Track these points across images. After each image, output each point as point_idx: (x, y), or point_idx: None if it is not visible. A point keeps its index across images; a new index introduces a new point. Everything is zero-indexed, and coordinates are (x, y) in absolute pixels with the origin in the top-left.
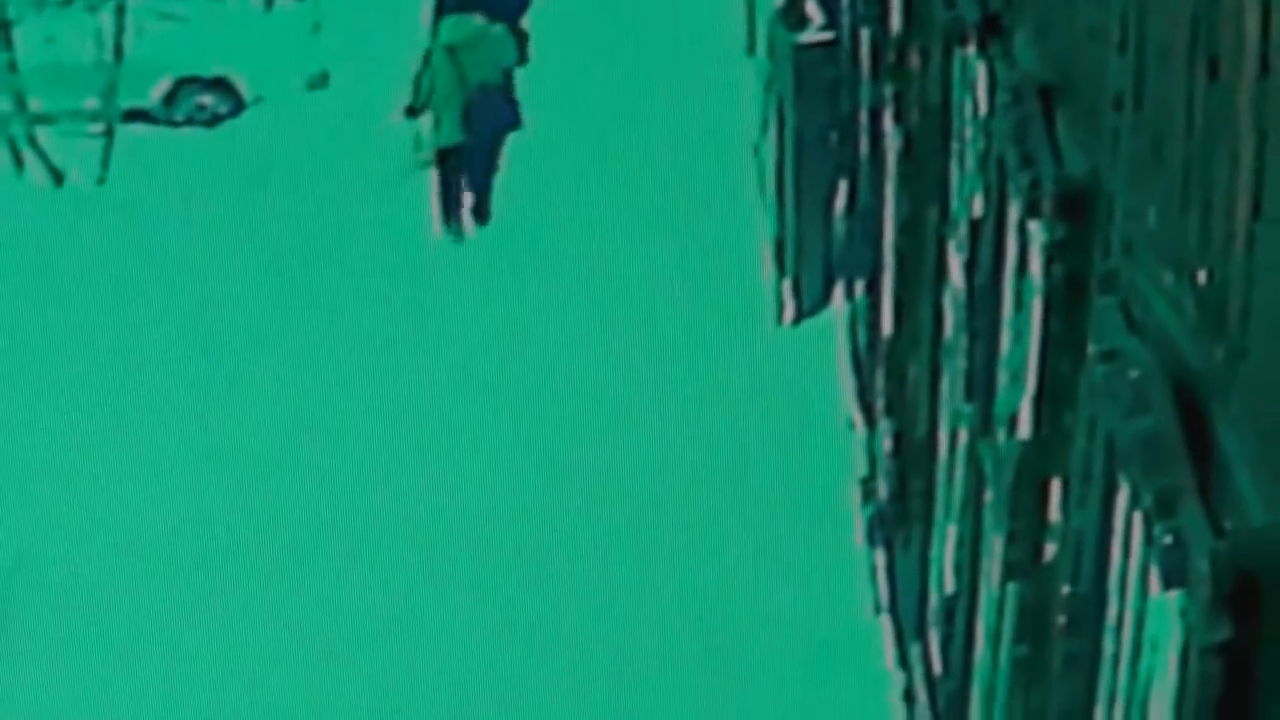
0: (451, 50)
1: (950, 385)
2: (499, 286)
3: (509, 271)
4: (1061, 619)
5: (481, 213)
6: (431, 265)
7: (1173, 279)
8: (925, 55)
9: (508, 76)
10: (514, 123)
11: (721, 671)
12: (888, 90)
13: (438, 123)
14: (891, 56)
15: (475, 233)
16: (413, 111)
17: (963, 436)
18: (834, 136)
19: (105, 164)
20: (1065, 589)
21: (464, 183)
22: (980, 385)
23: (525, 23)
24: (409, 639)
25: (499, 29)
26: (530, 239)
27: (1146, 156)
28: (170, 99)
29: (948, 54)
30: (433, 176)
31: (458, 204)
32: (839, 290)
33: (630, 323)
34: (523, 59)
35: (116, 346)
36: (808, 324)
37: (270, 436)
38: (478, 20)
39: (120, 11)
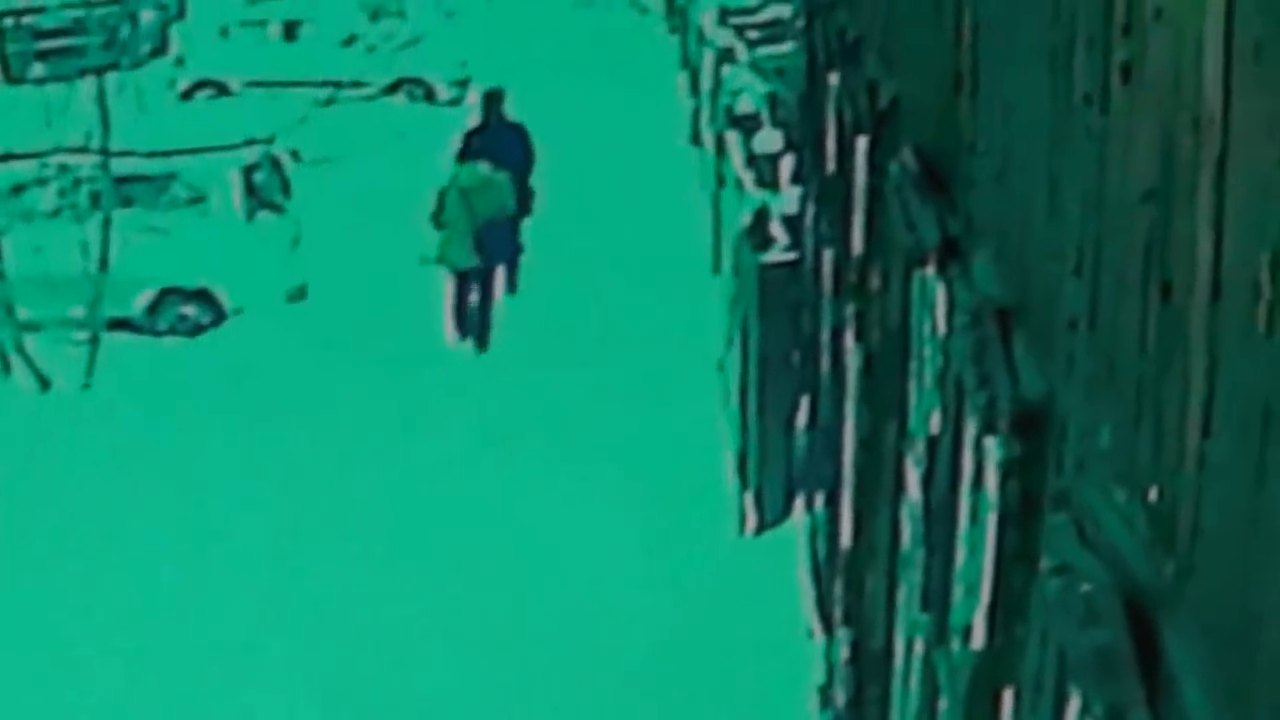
0: (464, 192)
1: (907, 596)
2: (467, 479)
3: (472, 469)
4: None
5: (484, 327)
6: (407, 467)
7: (1124, 496)
8: (886, 276)
9: (511, 217)
10: (516, 253)
11: None
12: (849, 309)
13: (451, 246)
14: (853, 277)
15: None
16: (437, 223)
17: (918, 646)
18: (796, 353)
19: (90, 370)
20: None
21: (471, 300)
22: (936, 596)
23: (532, 180)
24: None
25: (503, 176)
26: (498, 439)
27: (1100, 377)
28: (153, 309)
29: (908, 275)
30: (447, 293)
31: (464, 318)
32: (799, 502)
33: (596, 528)
34: (527, 210)
35: (99, 544)
36: (769, 535)
37: (252, 627)
38: (486, 169)
39: (106, 224)
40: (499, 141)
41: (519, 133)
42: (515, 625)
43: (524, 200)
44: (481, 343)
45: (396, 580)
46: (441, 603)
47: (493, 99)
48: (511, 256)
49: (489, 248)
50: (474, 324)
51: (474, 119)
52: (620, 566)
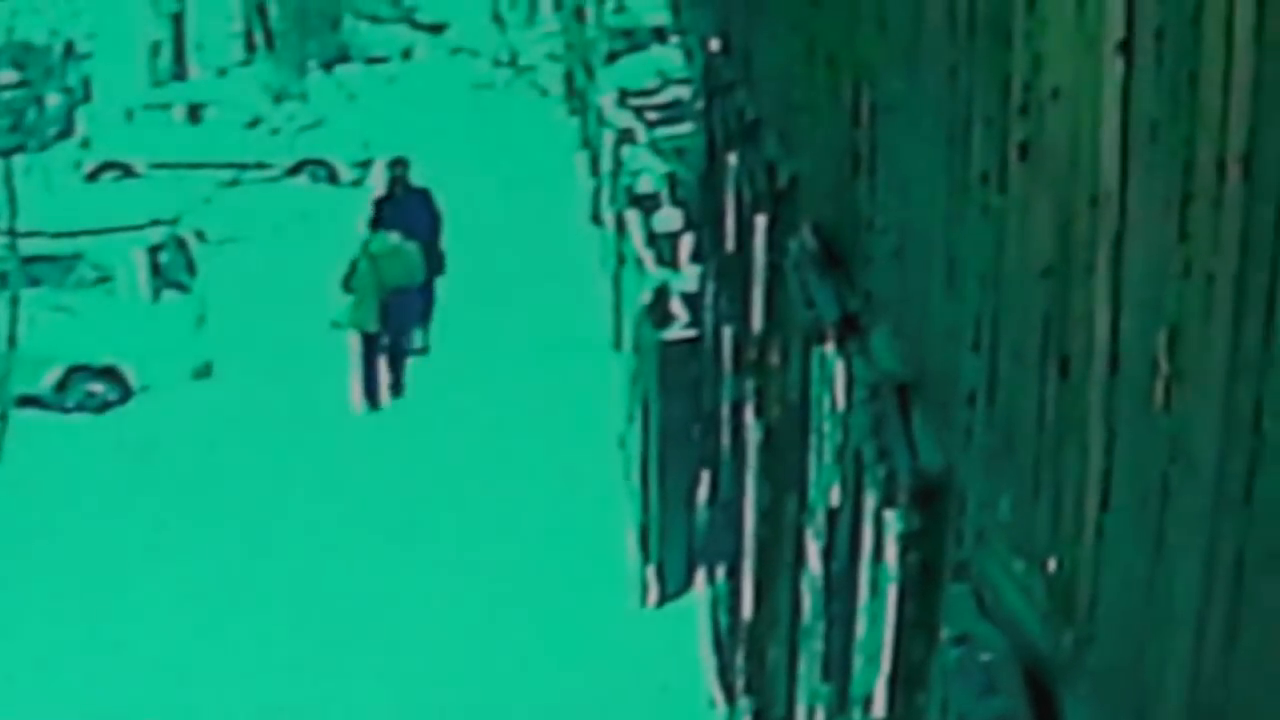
0: (374, 259)
1: (808, 666)
2: (369, 549)
3: (375, 538)
4: None
5: (397, 389)
6: (310, 536)
7: (1023, 567)
8: (785, 352)
9: (419, 285)
10: (427, 314)
11: None
12: (749, 385)
13: (360, 311)
14: (753, 353)
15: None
16: (347, 288)
17: (820, 715)
18: (697, 429)
19: None
20: None
21: (379, 365)
22: (837, 666)
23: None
24: None
25: (411, 246)
26: (400, 509)
27: (999, 450)
28: (61, 386)
29: (807, 351)
30: (353, 360)
31: (374, 382)
32: (701, 575)
33: (498, 601)
34: (439, 270)
35: (6, 619)
36: (670, 607)
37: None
38: (395, 238)
39: (14, 303)
40: (407, 209)
41: (425, 197)
42: (423, 697)
43: (435, 262)
44: (395, 394)
45: (300, 651)
46: (345, 672)
47: (398, 165)
48: (422, 319)
49: (395, 315)
50: (379, 388)
51: (380, 189)
52: (523, 639)
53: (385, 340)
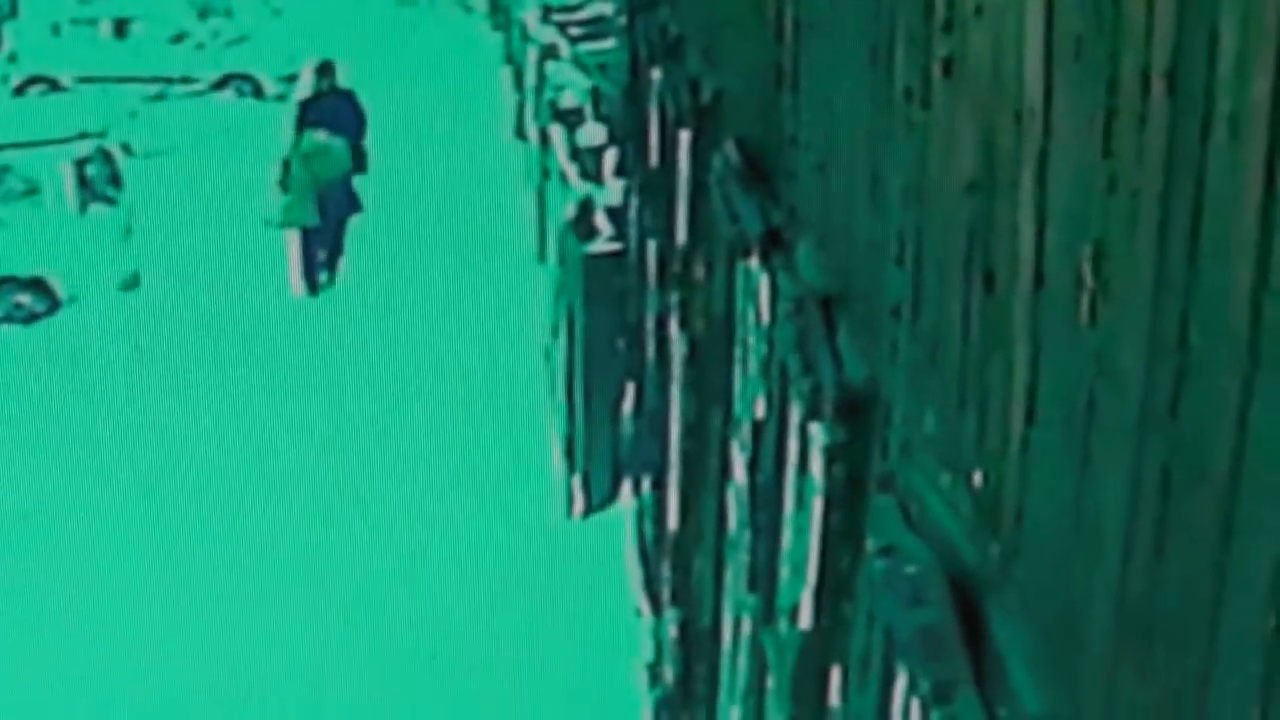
0: (306, 157)
1: (734, 577)
2: (300, 455)
3: (306, 443)
4: None
5: (331, 275)
6: (240, 441)
7: (949, 480)
8: (709, 266)
9: (347, 177)
10: (354, 209)
11: None
12: (673, 298)
13: (296, 208)
14: (677, 267)
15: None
16: (284, 187)
17: (746, 626)
18: (621, 341)
19: None
20: None
21: (317, 254)
22: (763, 577)
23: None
24: None
25: (339, 141)
26: (333, 417)
27: (924, 363)
28: None
29: (731, 265)
30: (291, 250)
31: (313, 270)
32: (626, 487)
33: (423, 511)
34: (361, 168)
35: None
36: (596, 518)
37: (85, 628)
38: (322, 136)
39: None
40: (332, 109)
41: (349, 97)
42: (342, 608)
43: (358, 160)
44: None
45: (233, 554)
46: (272, 584)
47: (324, 69)
48: (349, 213)
49: (329, 207)
50: (318, 277)
51: (305, 90)
52: (447, 549)
53: (321, 232)
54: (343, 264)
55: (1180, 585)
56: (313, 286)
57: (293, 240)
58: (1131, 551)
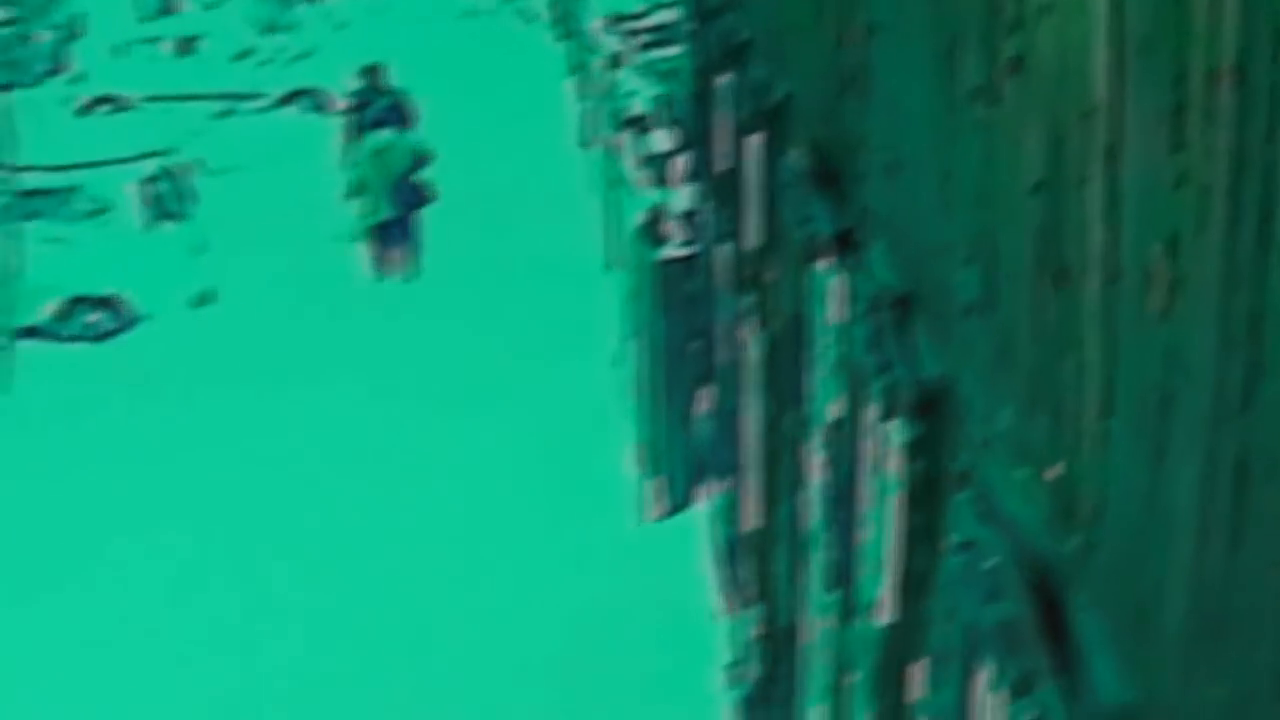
0: (378, 153)
1: (813, 576)
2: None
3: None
4: None
5: (415, 266)
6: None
7: (1026, 475)
8: (782, 269)
9: (414, 170)
10: (427, 200)
11: None
12: (746, 302)
13: (374, 204)
14: (749, 270)
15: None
16: (356, 189)
17: (826, 623)
18: (695, 345)
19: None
20: None
21: (396, 245)
22: (842, 575)
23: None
24: None
25: (402, 137)
26: (404, 432)
27: (999, 361)
28: (61, 316)
29: (804, 267)
30: (371, 244)
31: (392, 259)
32: (703, 489)
33: (502, 520)
34: (426, 162)
35: (16, 547)
36: (673, 522)
37: (180, 634)
38: (386, 133)
39: (14, 235)
40: (387, 108)
41: (400, 97)
42: (425, 614)
43: (422, 153)
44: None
45: (298, 565)
46: (345, 589)
47: (370, 71)
48: (422, 204)
49: (403, 200)
50: (400, 259)
51: (355, 96)
52: (524, 558)
53: (399, 223)
54: (422, 254)
55: (1255, 577)
56: (394, 273)
57: (371, 241)
58: (1207, 543)
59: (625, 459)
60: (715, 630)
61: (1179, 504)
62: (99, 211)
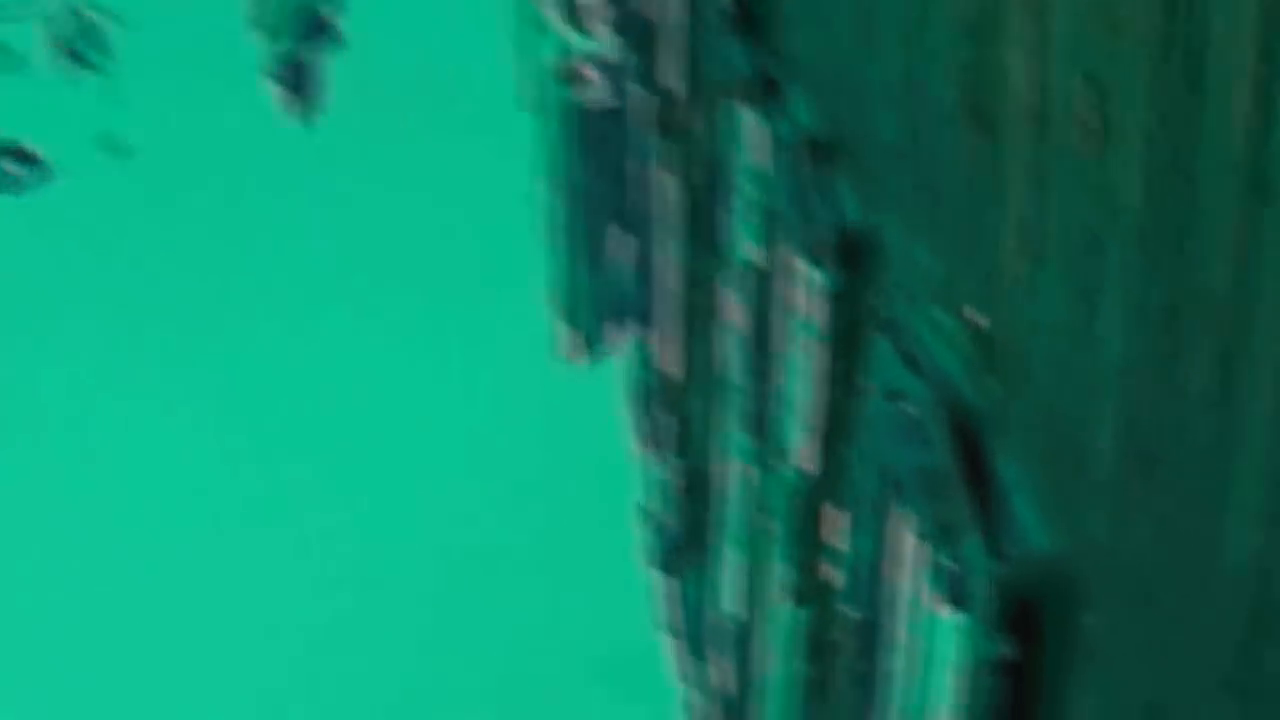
0: None
1: (731, 422)
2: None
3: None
4: (846, 640)
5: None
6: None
7: (950, 321)
8: (702, 112)
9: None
10: (331, 36)
11: (503, 681)
12: (666, 146)
13: (276, 38)
14: (668, 114)
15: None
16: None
17: (745, 470)
18: (611, 187)
19: None
20: (848, 612)
21: (300, 83)
22: (761, 422)
23: None
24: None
25: None
26: (321, 266)
27: (923, 206)
28: None
29: (724, 112)
30: (277, 83)
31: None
32: (622, 332)
33: (408, 360)
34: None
35: None
36: (587, 366)
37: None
38: None
39: None
40: None
41: None
42: (331, 451)
43: None
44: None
45: (216, 398)
46: (262, 428)
47: None
48: (325, 39)
49: (307, 30)
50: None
51: None
52: (433, 396)
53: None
54: (326, 96)
55: (1185, 418)
56: (300, 113)
57: (277, 80)
58: (1135, 386)
59: (538, 301)
60: (632, 475)
61: (1107, 347)
62: (5, 57)
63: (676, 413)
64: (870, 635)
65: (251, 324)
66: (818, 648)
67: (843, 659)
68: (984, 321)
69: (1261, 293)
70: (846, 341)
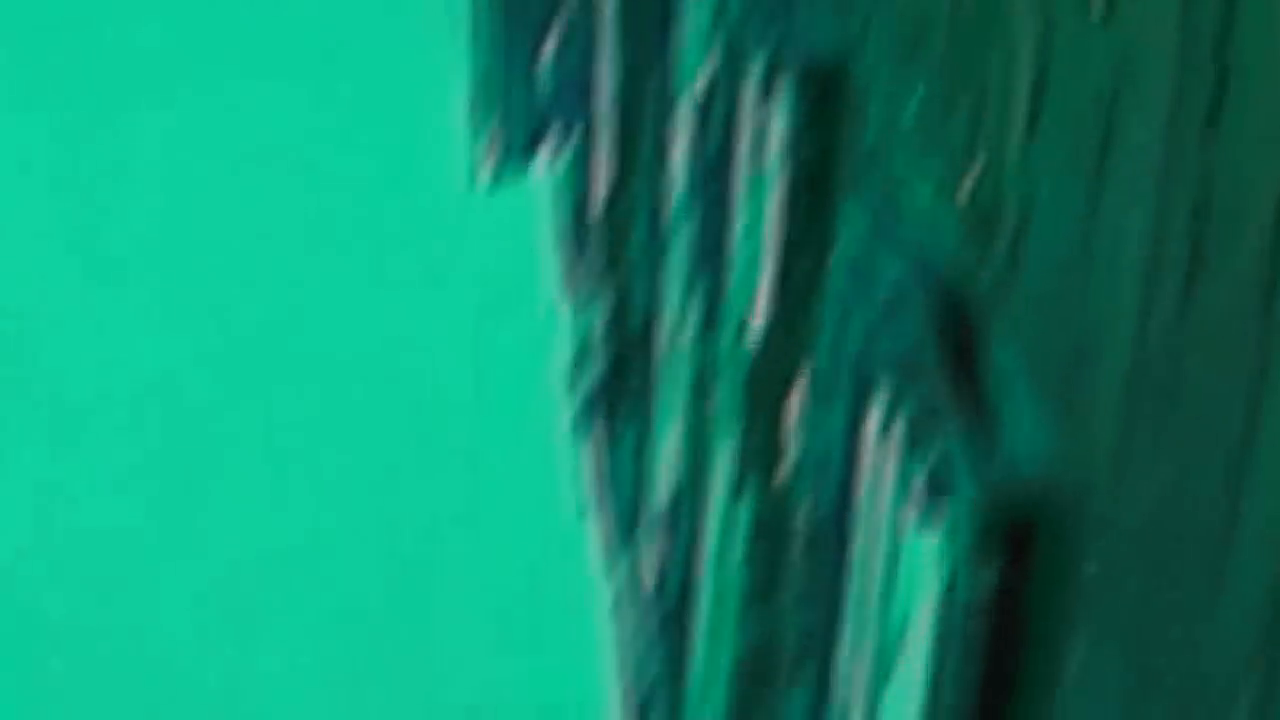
0: None
1: (674, 270)
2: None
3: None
4: (799, 543)
5: None
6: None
7: (934, 182)
8: None
9: None
10: None
11: (409, 570)
12: None
13: None
14: None
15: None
16: None
17: (688, 327)
18: None
19: None
20: (804, 509)
21: None
22: (709, 274)
23: None
24: None
25: None
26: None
27: (908, 39)
28: None
29: None
30: None
31: None
32: (544, 153)
33: (311, 189)
34: None
35: None
36: (510, 188)
37: None
38: None
39: None
40: None
41: None
42: (233, 273)
43: None
44: None
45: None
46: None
47: None
48: None
49: None
50: None
51: None
52: (341, 230)
53: None
54: None
55: (1213, 339)
56: None
57: None
58: (1155, 293)
59: (451, 115)
60: (554, 322)
61: (1122, 242)
62: None
63: (609, 249)
64: (825, 544)
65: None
66: (764, 548)
67: (792, 567)
68: (976, 180)
69: None
70: (813, 193)
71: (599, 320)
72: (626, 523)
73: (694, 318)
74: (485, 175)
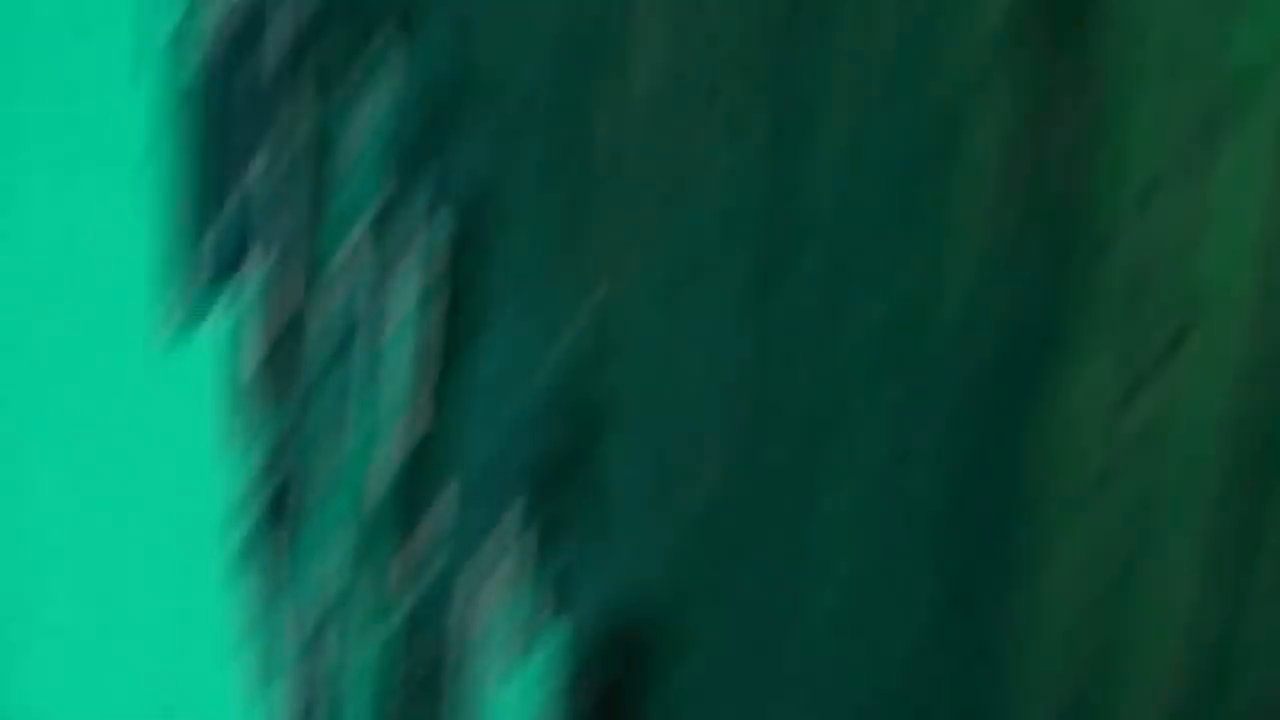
0: None
1: (327, 410)
2: None
3: None
4: (414, 673)
5: None
6: None
7: (558, 316)
8: (329, 50)
9: None
10: None
11: None
12: (291, 86)
13: None
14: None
15: None
16: None
17: (338, 461)
18: (237, 135)
19: None
20: (415, 642)
21: None
22: (366, 399)
23: None
24: None
25: None
26: None
27: (550, 171)
28: None
29: (351, 52)
30: None
31: None
32: (219, 302)
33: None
34: None
35: None
36: (183, 343)
37: None
38: None
39: None
40: None
41: None
42: None
43: None
44: None
45: None
46: None
47: None
48: None
49: None
50: None
51: None
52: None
53: None
54: None
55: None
56: None
57: None
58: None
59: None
60: (221, 465)
61: (710, 374)
62: None
63: (268, 401)
64: (435, 673)
65: None
66: (392, 677)
67: (412, 693)
68: (590, 318)
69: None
70: (460, 315)
71: (261, 460)
72: (275, 645)
73: (344, 451)
74: (166, 331)
